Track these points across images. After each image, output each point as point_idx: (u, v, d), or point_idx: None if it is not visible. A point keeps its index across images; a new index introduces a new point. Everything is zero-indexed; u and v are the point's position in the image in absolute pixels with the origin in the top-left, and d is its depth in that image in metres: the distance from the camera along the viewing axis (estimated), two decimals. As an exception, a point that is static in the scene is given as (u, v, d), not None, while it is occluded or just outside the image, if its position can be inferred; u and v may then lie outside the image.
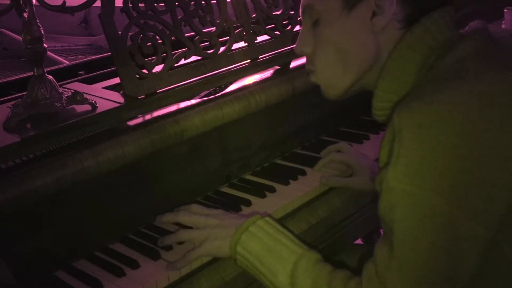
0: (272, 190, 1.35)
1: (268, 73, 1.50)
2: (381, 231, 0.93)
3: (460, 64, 0.89)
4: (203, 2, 1.35)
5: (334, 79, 1.03)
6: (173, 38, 1.29)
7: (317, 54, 1.04)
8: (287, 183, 1.38)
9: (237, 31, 1.43)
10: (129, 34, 1.22)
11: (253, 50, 1.46)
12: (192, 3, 1.33)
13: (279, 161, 1.51)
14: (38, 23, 1.12)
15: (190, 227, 1.12)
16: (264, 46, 1.48)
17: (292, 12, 1.54)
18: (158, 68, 1.26)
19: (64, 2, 1.13)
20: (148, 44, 1.24)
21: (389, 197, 0.86)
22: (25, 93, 1.15)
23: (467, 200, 0.81)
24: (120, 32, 1.20)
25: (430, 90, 0.86)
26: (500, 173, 0.82)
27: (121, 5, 1.21)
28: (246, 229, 1.03)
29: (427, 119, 0.82)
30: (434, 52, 0.93)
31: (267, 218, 1.06)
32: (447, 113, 0.82)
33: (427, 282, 0.83)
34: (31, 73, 1.15)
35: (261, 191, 1.34)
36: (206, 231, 1.08)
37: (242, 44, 1.46)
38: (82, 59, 1.86)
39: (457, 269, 0.84)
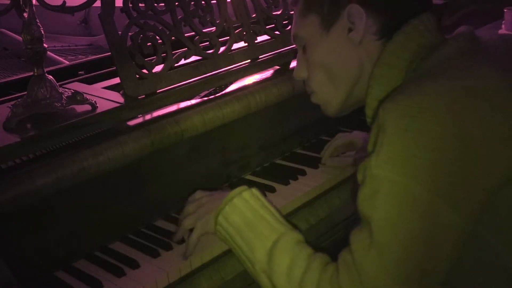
0: (272, 190, 1.35)
1: (268, 73, 1.50)
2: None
3: (445, 63, 0.92)
4: (203, 2, 1.35)
5: (329, 97, 1.09)
6: (173, 38, 1.29)
7: (310, 76, 1.10)
8: (287, 183, 1.38)
9: (237, 31, 1.43)
10: (129, 34, 1.22)
11: (253, 50, 1.46)
12: (192, 3, 1.33)
13: (279, 161, 1.51)
14: (38, 23, 1.12)
15: None
16: (264, 46, 1.48)
17: (292, 12, 1.54)
18: (158, 68, 1.26)
19: (64, 2, 1.13)
20: (148, 44, 1.24)
21: (371, 184, 0.86)
22: (25, 93, 1.15)
23: (448, 190, 0.82)
24: (120, 32, 1.20)
25: (415, 84, 0.89)
26: (481, 164, 0.83)
27: (121, 5, 1.21)
28: (231, 199, 1.02)
29: (411, 110, 0.84)
30: (418, 57, 0.96)
31: (254, 190, 1.04)
32: (431, 104, 0.84)
33: (405, 271, 0.83)
34: (31, 73, 1.15)
35: (261, 191, 1.33)
36: (200, 210, 1.09)
37: (242, 44, 1.46)
38: (82, 59, 1.86)
39: (433, 260, 0.85)
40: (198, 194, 1.15)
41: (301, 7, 1.08)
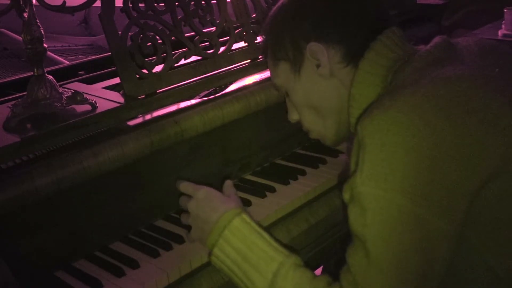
0: (272, 190, 1.35)
1: (268, 73, 1.50)
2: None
3: (417, 74, 0.94)
4: (203, 2, 1.35)
5: (323, 131, 1.15)
6: (173, 38, 1.29)
7: (300, 117, 1.17)
8: (287, 183, 1.38)
9: (237, 31, 1.43)
10: (129, 34, 1.22)
11: (253, 50, 1.46)
12: (192, 3, 1.33)
13: (279, 161, 1.51)
14: (38, 23, 1.12)
15: None
16: (264, 46, 1.48)
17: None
18: (158, 68, 1.26)
19: (64, 2, 1.13)
20: (148, 44, 1.24)
21: (358, 202, 0.88)
22: (25, 93, 1.15)
23: (431, 198, 0.84)
24: (120, 32, 1.20)
25: (388, 98, 0.91)
26: (459, 170, 0.85)
27: (121, 5, 1.21)
28: (222, 231, 0.99)
29: (386, 124, 0.86)
30: (391, 70, 1.00)
31: (244, 216, 1.01)
32: (404, 116, 0.86)
33: (406, 281, 0.85)
34: (31, 73, 1.15)
35: (261, 191, 1.34)
36: (190, 220, 1.08)
37: (242, 44, 1.46)
38: (82, 59, 1.86)
39: (430, 266, 0.86)
40: (182, 186, 1.11)
41: (270, 59, 1.15)
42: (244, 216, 1.01)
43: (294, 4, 1.11)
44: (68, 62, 1.81)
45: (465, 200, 0.86)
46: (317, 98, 1.10)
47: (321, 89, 1.08)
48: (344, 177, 1.43)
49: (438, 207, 0.84)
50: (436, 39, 1.03)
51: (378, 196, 0.85)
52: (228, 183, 1.14)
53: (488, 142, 0.87)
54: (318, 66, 1.06)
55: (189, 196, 1.09)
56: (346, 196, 0.91)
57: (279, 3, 1.14)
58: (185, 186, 1.11)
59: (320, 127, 1.14)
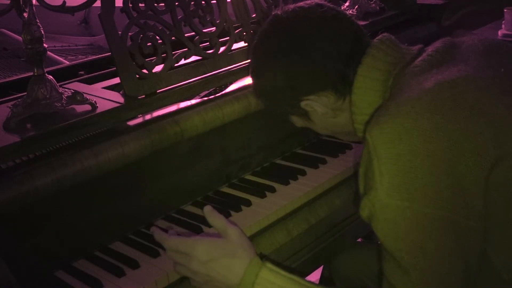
0: (272, 190, 1.35)
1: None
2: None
3: (422, 77, 0.94)
4: (203, 2, 1.35)
5: (355, 139, 1.16)
6: (173, 38, 1.29)
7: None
8: (287, 183, 1.38)
9: (237, 31, 1.43)
10: (129, 34, 1.22)
11: (253, 50, 1.46)
12: (192, 3, 1.33)
13: (279, 161, 1.51)
14: (38, 23, 1.12)
15: None
16: (264, 46, 1.48)
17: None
18: (158, 68, 1.26)
19: (64, 2, 1.13)
20: (148, 44, 1.24)
21: (385, 215, 0.87)
22: (25, 93, 1.15)
23: (454, 201, 0.84)
24: (120, 32, 1.20)
25: (394, 104, 0.91)
26: (473, 169, 0.85)
27: (121, 5, 1.21)
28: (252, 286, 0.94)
29: (396, 133, 0.86)
30: (391, 74, 1.00)
31: (268, 264, 0.96)
32: (414, 122, 0.86)
33: (452, 281, 0.86)
34: (31, 73, 1.15)
35: (261, 191, 1.34)
36: (198, 279, 0.99)
37: (242, 44, 1.46)
38: (82, 59, 1.86)
39: (468, 264, 0.88)
40: (169, 245, 0.99)
41: (281, 115, 1.17)
42: (268, 264, 0.96)
43: (267, 82, 1.11)
44: (68, 62, 1.81)
45: (481, 197, 0.86)
46: (338, 129, 1.14)
47: (337, 123, 1.11)
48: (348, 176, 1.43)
49: (463, 208, 0.85)
50: (438, 43, 1.03)
51: (404, 207, 0.85)
52: (209, 212, 1.00)
53: (496, 141, 0.87)
54: (321, 112, 1.08)
55: (179, 251, 0.99)
56: (364, 213, 0.90)
57: (253, 84, 1.16)
58: (174, 244, 0.99)
59: (352, 138, 1.17)
